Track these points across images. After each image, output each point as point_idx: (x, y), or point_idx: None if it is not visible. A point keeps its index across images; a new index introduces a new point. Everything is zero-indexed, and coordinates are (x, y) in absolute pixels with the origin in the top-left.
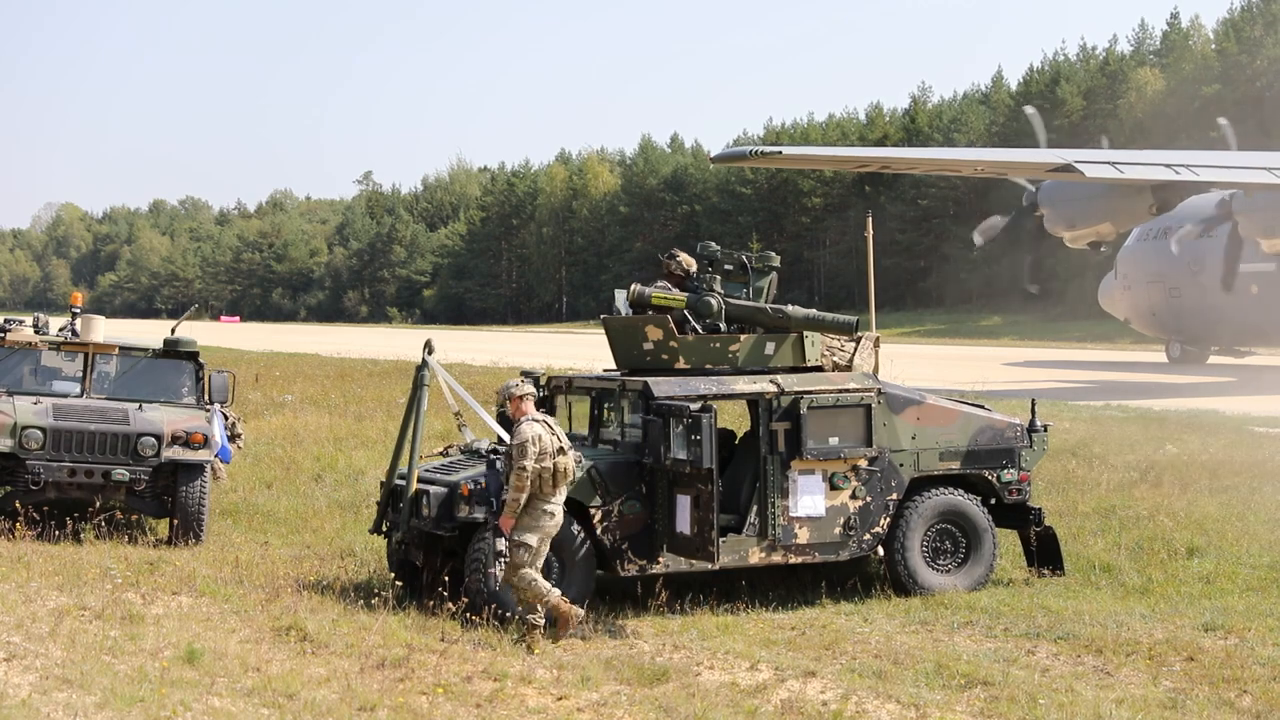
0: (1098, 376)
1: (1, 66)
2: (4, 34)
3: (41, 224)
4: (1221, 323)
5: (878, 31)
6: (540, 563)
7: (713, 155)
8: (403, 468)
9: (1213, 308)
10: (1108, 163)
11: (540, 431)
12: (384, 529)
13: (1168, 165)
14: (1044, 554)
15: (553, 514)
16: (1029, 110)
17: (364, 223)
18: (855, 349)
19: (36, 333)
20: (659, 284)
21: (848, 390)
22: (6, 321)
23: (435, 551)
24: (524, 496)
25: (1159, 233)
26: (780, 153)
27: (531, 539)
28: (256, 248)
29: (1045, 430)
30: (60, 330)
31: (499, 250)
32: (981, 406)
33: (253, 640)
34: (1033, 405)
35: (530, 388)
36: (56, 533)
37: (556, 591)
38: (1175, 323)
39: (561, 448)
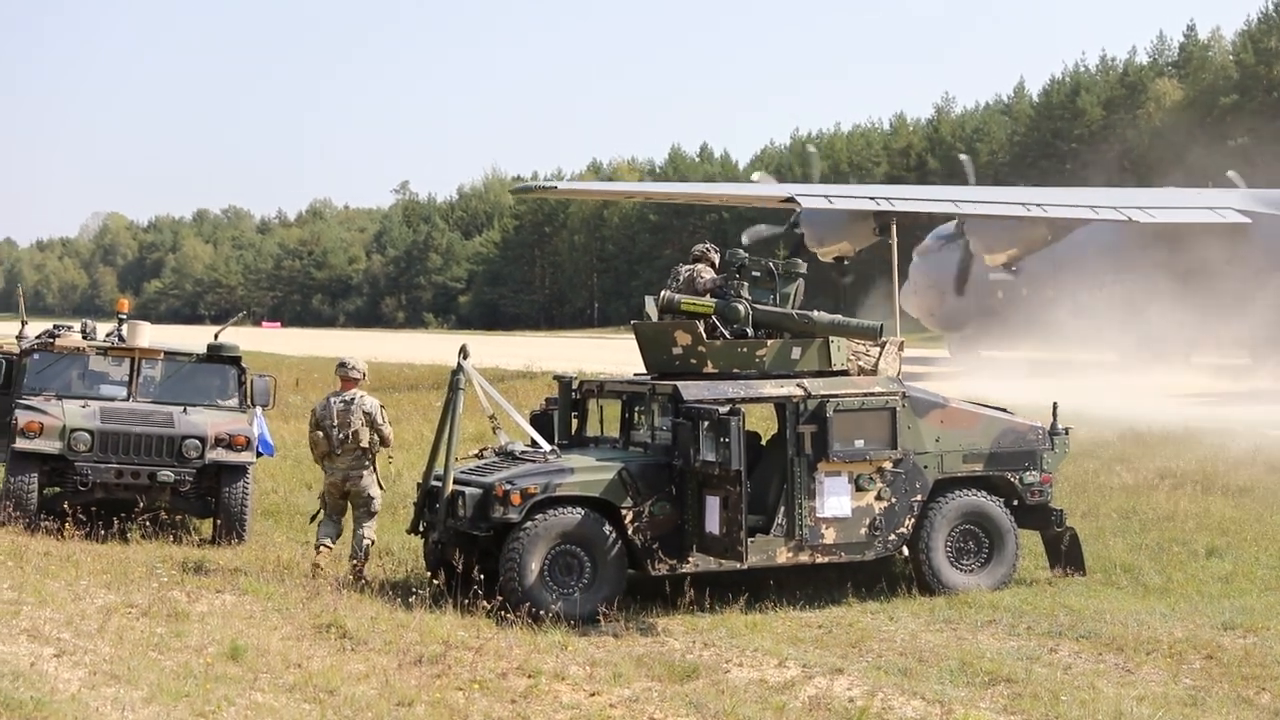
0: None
1: (50, 79)
2: (51, 48)
3: (89, 233)
4: (973, 322)
5: (903, 42)
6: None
7: (511, 189)
8: (439, 469)
9: (963, 309)
10: (821, 195)
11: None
12: (421, 529)
13: (870, 197)
14: (1066, 554)
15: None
16: (964, 158)
17: (401, 231)
18: (880, 353)
19: (84, 338)
20: (688, 267)
21: (873, 394)
22: (55, 327)
23: (471, 551)
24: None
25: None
26: (555, 188)
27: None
28: (297, 255)
29: (1067, 433)
30: (107, 336)
31: (532, 258)
32: (1004, 410)
33: (294, 637)
34: (1054, 409)
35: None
36: (104, 532)
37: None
38: (946, 322)
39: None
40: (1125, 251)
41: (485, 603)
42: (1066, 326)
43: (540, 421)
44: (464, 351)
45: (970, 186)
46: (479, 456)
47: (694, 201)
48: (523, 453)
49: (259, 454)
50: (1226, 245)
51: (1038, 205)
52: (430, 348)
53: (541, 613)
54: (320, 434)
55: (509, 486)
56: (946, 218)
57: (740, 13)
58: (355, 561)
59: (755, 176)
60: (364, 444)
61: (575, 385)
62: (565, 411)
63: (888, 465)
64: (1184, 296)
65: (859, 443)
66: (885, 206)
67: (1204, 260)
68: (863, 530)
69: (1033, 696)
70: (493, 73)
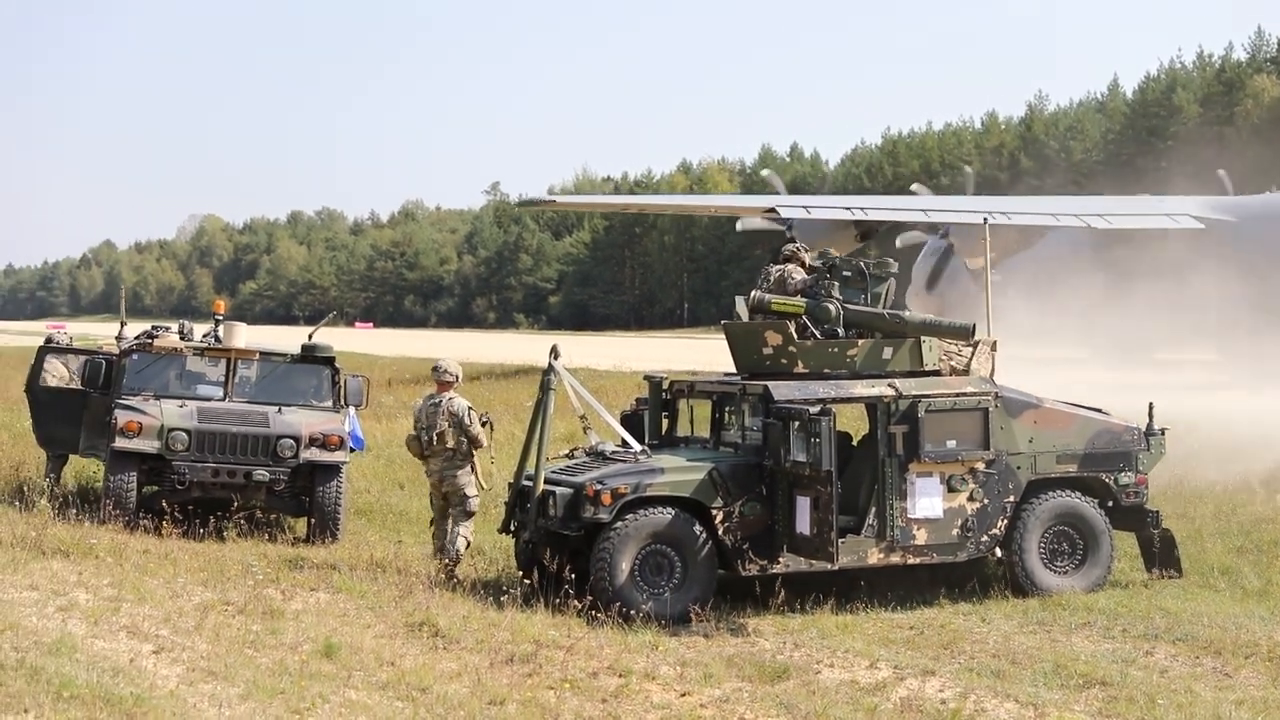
0: None
1: (148, 84)
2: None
3: (186, 235)
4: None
5: (995, 40)
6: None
7: (518, 204)
8: (530, 469)
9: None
10: (800, 205)
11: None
12: (512, 528)
13: (845, 208)
14: (1161, 556)
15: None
16: (967, 169)
17: (492, 232)
18: (972, 353)
19: (182, 339)
20: (779, 267)
21: (965, 394)
22: (154, 328)
23: (562, 550)
24: None
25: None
26: (554, 201)
27: None
28: (389, 256)
29: (1163, 434)
30: (204, 337)
31: (622, 258)
32: (1099, 411)
33: (387, 635)
34: (1150, 409)
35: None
36: (201, 531)
37: None
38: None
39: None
40: (1091, 254)
41: (576, 602)
42: (1044, 325)
43: (631, 421)
44: (555, 352)
45: (957, 197)
46: (570, 456)
47: (684, 212)
48: (613, 453)
49: (350, 449)
50: (1187, 248)
51: (1002, 214)
52: (521, 348)
53: (632, 612)
54: (414, 435)
55: (599, 486)
56: (931, 226)
57: (832, 11)
58: (447, 560)
59: (765, 173)
60: (450, 445)
61: (666, 385)
62: (656, 411)
63: (980, 466)
64: (1147, 296)
65: (951, 443)
66: (859, 215)
67: (1165, 262)
68: (955, 531)
69: (1128, 700)
70: (584, 74)
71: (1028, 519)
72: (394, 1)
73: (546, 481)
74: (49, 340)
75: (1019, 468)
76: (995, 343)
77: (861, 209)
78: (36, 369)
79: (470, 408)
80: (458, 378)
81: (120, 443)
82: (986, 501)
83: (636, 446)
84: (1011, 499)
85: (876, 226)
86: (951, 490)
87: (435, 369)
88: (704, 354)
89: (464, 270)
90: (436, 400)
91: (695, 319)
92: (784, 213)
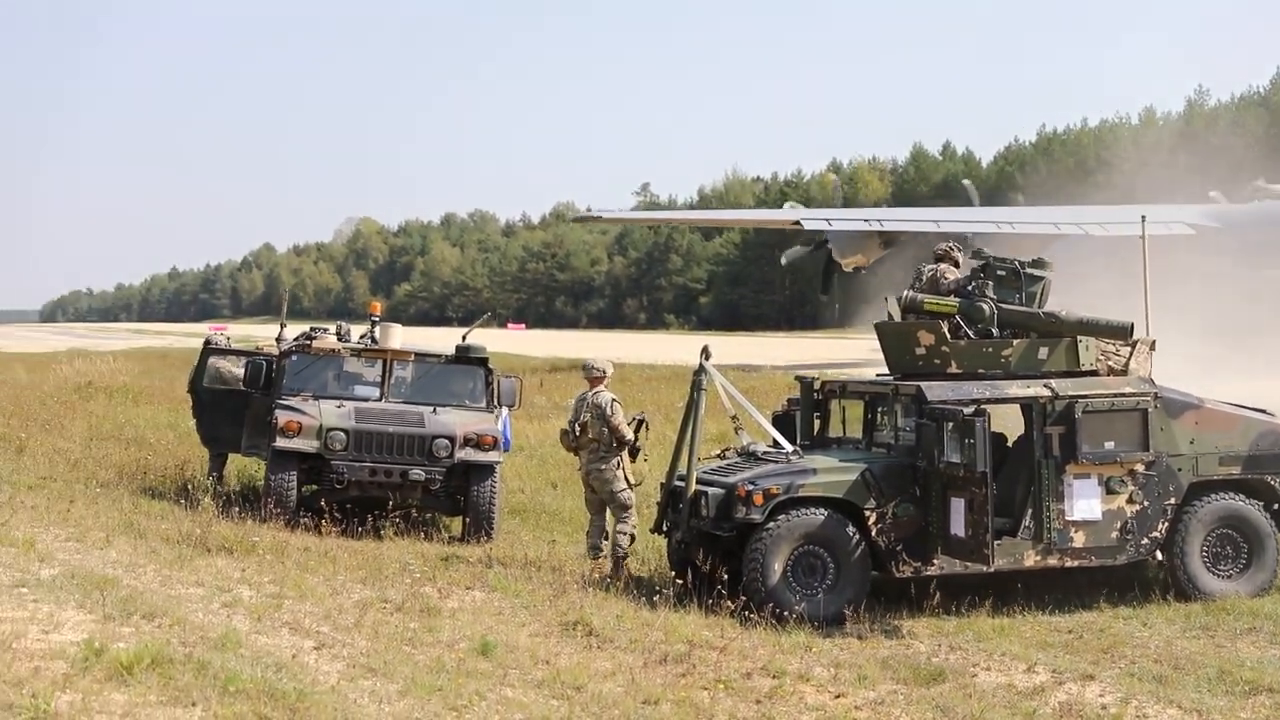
0: None
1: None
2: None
3: (342, 238)
4: None
5: (1152, 34)
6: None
7: (572, 219)
8: (682, 469)
9: None
10: (823, 218)
11: None
12: (664, 528)
13: (864, 220)
14: None
15: None
16: (965, 182)
17: (642, 232)
18: (1131, 353)
19: (339, 340)
20: (931, 266)
21: (1123, 394)
22: (312, 330)
23: (714, 551)
24: None
25: None
26: (600, 217)
27: None
28: (540, 258)
29: None
30: (360, 338)
31: (772, 258)
32: (1263, 411)
33: (542, 634)
34: None
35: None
36: (359, 529)
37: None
38: None
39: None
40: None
41: (729, 603)
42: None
43: (782, 422)
44: (706, 352)
45: (967, 207)
46: (721, 457)
47: (717, 225)
48: (765, 453)
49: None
50: (1185, 252)
51: (1008, 223)
52: (671, 349)
53: (785, 613)
54: (565, 429)
55: (751, 487)
56: (941, 236)
57: (984, 6)
58: (614, 556)
59: (788, 206)
60: (592, 436)
61: (817, 386)
62: (807, 412)
63: (1139, 468)
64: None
65: (1109, 444)
66: (876, 227)
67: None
68: (1114, 534)
69: None
70: (735, 74)
71: (1189, 522)
72: (546, 3)
73: (698, 482)
74: (208, 342)
75: (1180, 469)
76: (1154, 342)
77: (879, 220)
78: (200, 369)
79: (615, 400)
80: (605, 373)
81: (281, 442)
82: (1146, 504)
83: (788, 447)
84: (1172, 501)
85: (896, 236)
86: (1110, 492)
87: (584, 366)
88: (856, 354)
89: (614, 271)
90: (585, 395)
91: (847, 319)
92: (807, 225)
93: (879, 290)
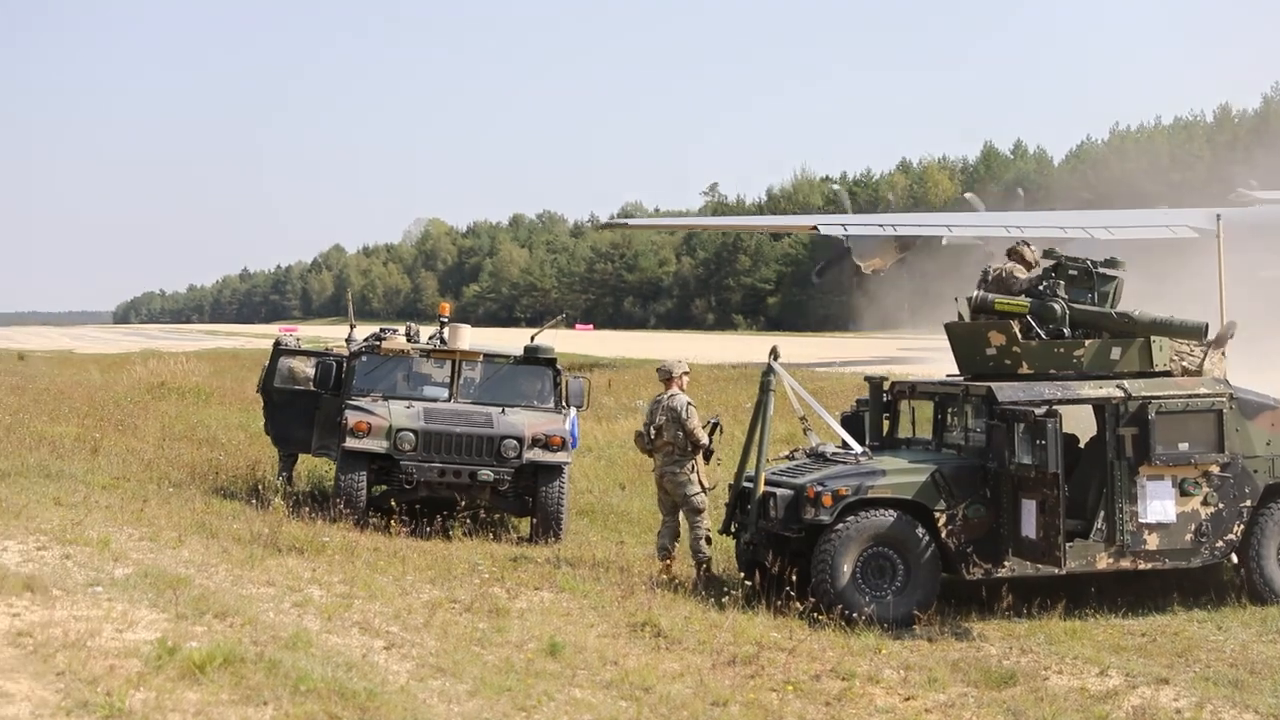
0: None
1: (378, 96)
2: (376, 68)
3: (411, 239)
4: None
5: (1228, 30)
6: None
7: (597, 226)
8: (751, 470)
9: None
10: (839, 224)
11: None
12: (733, 529)
13: (879, 225)
14: None
15: None
16: (968, 195)
17: (710, 232)
18: (1205, 353)
19: (409, 341)
20: (1000, 265)
21: (1198, 395)
22: (382, 330)
23: (783, 552)
24: None
25: None
26: (627, 224)
27: None
28: (609, 258)
29: None
30: (430, 339)
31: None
32: None
33: (610, 635)
34: None
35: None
36: (428, 529)
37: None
38: None
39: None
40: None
41: (798, 604)
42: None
43: (851, 423)
44: (774, 353)
45: (974, 213)
46: (790, 458)
47: (738, 231)
48: (834, 454)
49: None
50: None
51: (1016, 227)
52: (740, 349)
53: (854, 615)
54: (640, 431)
55: (820, 488)
56: (951, 240)
57: (1053, 4)
58: (696, 567)
59: (834, 188)
60: (667, 439)
61: (886, 386)
62: (876, 413)
63: (1214, 469)
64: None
65: (1183, 446)
66: (890, 232)
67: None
68: (1188, 536)
69: None
70: (803, 75)
71: (1266, 524)
72: (611, 3)
73: (767, 483)
74: (279, 343)
75: (1256, 471)
76: (1232, 328)
77: (893, 225)
78: (270, 370)
79: (690, 403)
80: (672, 375)
81: (350, 443)
82: (1221, 506)
83: (857, 448)
84: (1248, 503)
85: (912, 240)
86: (1184, 494)
87: (659, 368)
88: (925, 354)
89: (683, 271)
90: (660, 398)
91: (916, 319)
92: (823, 230)
93: (901, 294)
